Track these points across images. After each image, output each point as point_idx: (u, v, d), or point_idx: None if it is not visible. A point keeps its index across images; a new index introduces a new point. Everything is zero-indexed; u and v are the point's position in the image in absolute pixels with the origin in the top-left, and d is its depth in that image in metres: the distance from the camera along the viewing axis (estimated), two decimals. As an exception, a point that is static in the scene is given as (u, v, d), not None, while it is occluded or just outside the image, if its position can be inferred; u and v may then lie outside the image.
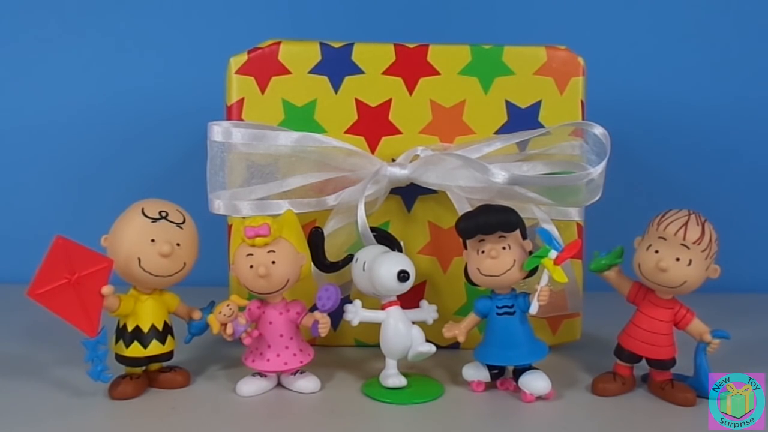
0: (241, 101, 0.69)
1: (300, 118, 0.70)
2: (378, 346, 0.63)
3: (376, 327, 0.63)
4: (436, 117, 0.70)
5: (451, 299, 0.71)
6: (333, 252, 0.65)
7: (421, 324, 0.63)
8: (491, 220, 0.59)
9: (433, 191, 0.69)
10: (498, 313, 0.62)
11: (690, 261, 0.58)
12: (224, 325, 0.61)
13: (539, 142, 0.68)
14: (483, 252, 0.60)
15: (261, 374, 0.63)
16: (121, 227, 0.60)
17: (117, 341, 0.62)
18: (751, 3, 0.95)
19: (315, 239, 0.64)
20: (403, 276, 0.61)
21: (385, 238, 0.65)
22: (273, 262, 0.60)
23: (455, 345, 0.65)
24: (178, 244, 0.60)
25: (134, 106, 0.96)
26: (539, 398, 0.61)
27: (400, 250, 0.65)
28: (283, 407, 0.60)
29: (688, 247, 0.58)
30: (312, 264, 0.64)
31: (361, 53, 0.70)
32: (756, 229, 0.97)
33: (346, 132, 0.70)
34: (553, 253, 0.59)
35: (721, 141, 0.96)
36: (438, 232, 0.71)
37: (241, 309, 0.62)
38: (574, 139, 0.68)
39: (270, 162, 0.68)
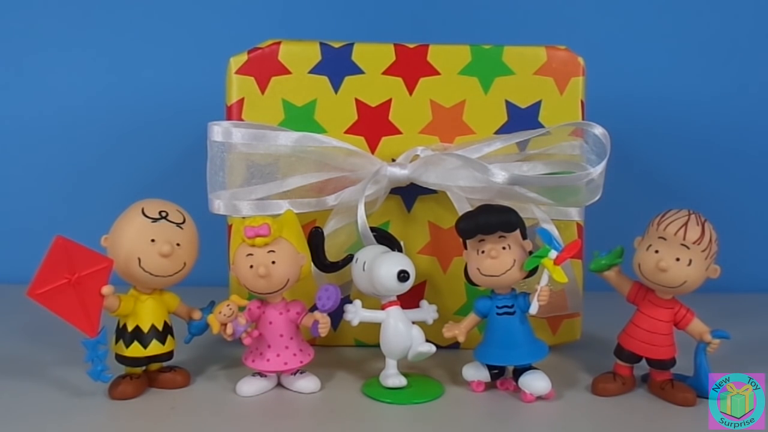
0: (241, 101, 0.69)
1: (300, 118, 0.70)
2: (378, 346, 0.63)
3: (376, 327, 0.63)
4: (436, 117, 0.70)
5: (451, 299, 0.71)
6: (333, 252, 0.65)
7: (421, 324, 0.63)
8: (491, 220, 0.59)
9: (433, 191, 0.69)
10: (498, 313, 0.62)
11: (690, 261, 0.58)
12: (224, 325, 0.61)
13: (539, 142, 0.68)
14: (483, 252, 0.60)
15: (261, 374, 0.63)
16: (121, 227, 0.60)
17: (117, 341, 0.62)
18: (752, 2, 0.95)
19: (315, 239, 0.64)
20: (403, 276, 0.61)
21: (385, 238, 0.65)
22: (273, 262, 0.60)
23: (455, 345, 0.65)
24: (178, 244, 0.60)
25: (134, 106, 0.96)
26: (539, 398, 0.61)
27: (400, 250, 0.65)
28: (283, 407, 0.60)
29: (688, 247, 0.58)
30: (312, 264, 0.64)
31: (361, 53, 0.70)
32: (756, 229, 0.97)
33: (346, 132, 0.70)
34: (553, 253, 0.59)
35: (722, 141, 0.96)
36: (438, 232, 0.71)
37: (241, 309, 0.62)
38: (574, 139, 0.68)
39: (270, 162, 0.68)
